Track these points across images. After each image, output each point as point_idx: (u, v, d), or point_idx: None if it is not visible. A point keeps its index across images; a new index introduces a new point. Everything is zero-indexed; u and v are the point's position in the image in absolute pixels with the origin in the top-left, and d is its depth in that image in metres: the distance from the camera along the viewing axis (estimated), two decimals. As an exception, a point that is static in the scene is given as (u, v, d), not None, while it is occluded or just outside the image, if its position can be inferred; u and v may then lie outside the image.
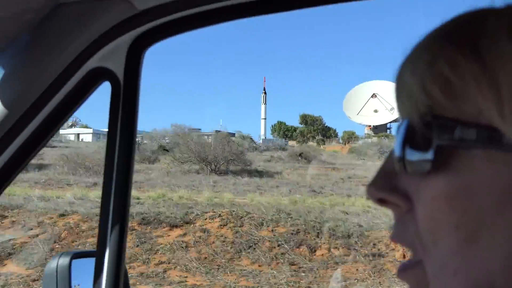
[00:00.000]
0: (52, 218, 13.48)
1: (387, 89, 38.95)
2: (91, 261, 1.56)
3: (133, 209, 13.38)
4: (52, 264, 1.52)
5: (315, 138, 42.26)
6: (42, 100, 1.10)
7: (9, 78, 1.08)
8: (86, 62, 1.12)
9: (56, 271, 1.51)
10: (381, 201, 0.54)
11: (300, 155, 29.00)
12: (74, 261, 1.51)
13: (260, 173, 23.60)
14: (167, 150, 28.64)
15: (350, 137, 38.83)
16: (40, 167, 22.46)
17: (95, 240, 1.44)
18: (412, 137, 0.50)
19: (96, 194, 15.52)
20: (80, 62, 1.12)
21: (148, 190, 17.68)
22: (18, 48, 1.08)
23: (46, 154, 25.24)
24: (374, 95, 40.04)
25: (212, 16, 1.11)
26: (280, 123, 48.90)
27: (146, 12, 1.09)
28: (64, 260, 1.51)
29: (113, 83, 1.17)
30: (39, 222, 13.27)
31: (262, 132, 49.27)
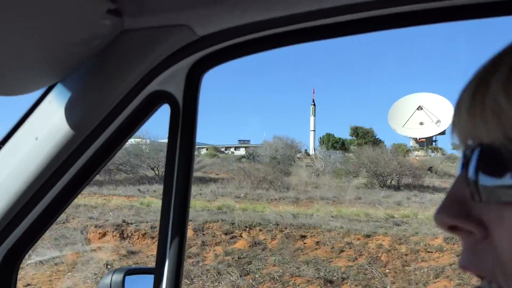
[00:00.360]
0: (359, 239, 12.45)
1: (433, 102, 38.22)
2: (144, 278, 1.58)
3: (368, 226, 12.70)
4: (106, 280, 1.54)
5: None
6: (106, 121, 1.15)
7: (76, 101, 1.13)
8: (147, 85, 1.16)
9: (110, 287, 1.52)
10: (452, 228, 0.53)
11: (429, 169, 28.19)
12: (127, 277, 1.53)
13: (435, 189, 22.14)
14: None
15: (402, 150, 37.82)
16: (214, 180, 22.37)
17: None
18: (493, 162, 0.47)
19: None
20: (142, 86, 1.16)
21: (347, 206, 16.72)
22: (84, 72, 1.13)
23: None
24: (420, 108, 39.33)
25: (269, 41, 1.13)
26: (328, 135, 48.46)
27: (206, 38, 1.12)
28: (117, 277, 1.54)
29: (173, 105, 1.21)
30: (348, 243, 12.29)
31: (312, 144, 48.90)
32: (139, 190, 19.36)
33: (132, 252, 11.71)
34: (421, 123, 39.67)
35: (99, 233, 12.52)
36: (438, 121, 38.08)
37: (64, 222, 12.86)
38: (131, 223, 12.98)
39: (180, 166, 1.20)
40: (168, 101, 1.21)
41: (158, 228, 1.24)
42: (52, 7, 0.91)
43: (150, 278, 1.54)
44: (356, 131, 46.13)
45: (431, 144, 42.47)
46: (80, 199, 15.25)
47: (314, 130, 51.65)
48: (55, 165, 1.15)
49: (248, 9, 1.06)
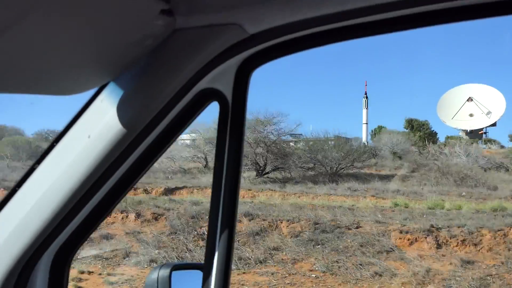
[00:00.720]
0: None
1: (483, 93, 37.05)
2: (191, 273, 1.59)
3: None
4: (153, 275, 1.56)
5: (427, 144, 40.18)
6: (156, 119, 1.16)
7: (128, 99, 1.15)
8: (197, 83, 1.17)
9: (157, 282, 1.55)
10: None
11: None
12: (174, 272, 1.55)
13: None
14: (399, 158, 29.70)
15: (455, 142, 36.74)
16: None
17: None
18: None
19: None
20: (192, 84, 1.16)
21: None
22: (136, 71, 1.14)
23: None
24: (470, 99, 38.19)
25: (319, 38, 1.12)
26: (380, 127, 47.60)
27: (256, 36, 1.12)
28: (164, 272, 1.55)
29: (222, 102, 1.22)
30: None
31: (364, 137, 48.19)
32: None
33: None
34: (471, 115, 38.56)
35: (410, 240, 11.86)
36: (489, 113, 36.90)
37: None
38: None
39: (229, 162, 1.21)
40: (217, 98, 1.22)
41: (207, 223, 1.24)
42: (107, 8, 0.92)
43: (197, 273, 1.56)
44: (411, 124, 45.06)
45: (480, 136, 41.12)
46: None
47: (366, 123, 50.98)
48: (107, 163, 1.17)
49: (299, 6, 1.05)
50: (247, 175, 24.57)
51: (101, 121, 1.16)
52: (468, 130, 40.33)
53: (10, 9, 0.81)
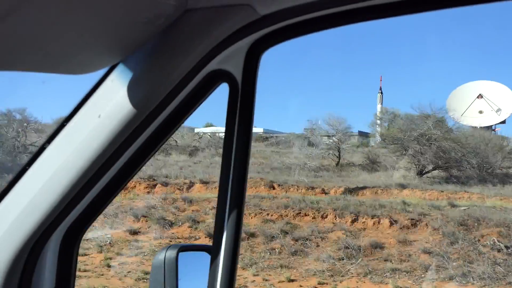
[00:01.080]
0: None
1: (493, 90, 36.70)
2: (198, 254, 1.61)
3: None
4: (160, 256, 1.58)
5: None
6: (166, 100, 1.17)
7: (138, 79, 1.16)
8: (207, 64, 1.17)
9: (164, 263, 1.56)
10: None
11: None
12: (181, 253, 1.56)
13: None
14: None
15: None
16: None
17: None
18: None
19: None
20: (202, 65, 1.16)
21: None
22: (146, 51, 1.15)
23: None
24: (480, 96, 37.88)
25: (330, 20, 1.12)
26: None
27: (267, 17, 1.12)
28: (171, 253, 1.57)
29: (231, 84, 1.22)
30: None
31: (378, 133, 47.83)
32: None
33: None
34: (481, 112, 38.24)
35: None
36: (499, 110, 36.58)
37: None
38: None
39: (238, 145, 1.21)
40: (227, 80, 1.22)
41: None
42: None
43: (204, 255, 1.58)
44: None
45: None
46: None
47: (381, 119, 50.65)
48: (118, 143, 1.17)
49: None
50: (402, 174, 23.50)
51: (111, 101, 1.17)
52: (478, 127, 40.06)
53: None
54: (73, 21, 0.97)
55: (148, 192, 19.80)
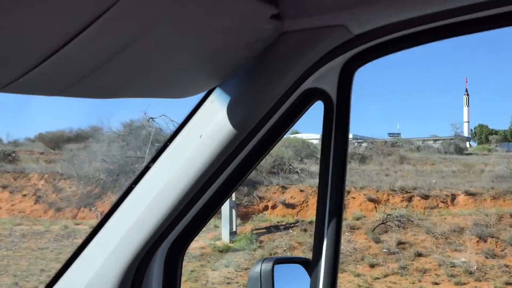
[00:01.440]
0: None
1: None
2: (293, 267, 1.62)
3: None
4: (256, 269, 1.61)
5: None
6: (264, 119, 1.21)
7: (237, 101, 1.21)
8: (302, 84, 1.21)
9: (260, 276, 1.59)
10: None
11: None
12: (276, 266, 1.58)
13: None
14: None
15: None
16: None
17: None
18: None
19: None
20: (297, 84, 1.20)
21: None
22: (244, 74, 1.20)
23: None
24: None
25: (422, 36, 1.13)
26: (481, 126, 44.71)
27: (360, 36, 1.14)
28: (267, 266, 1.59)
29: (326, 102, 1.24)
30: None
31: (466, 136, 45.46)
32: None
33: None
34: None
35: None
36: None
37: None
38: None
39: (335, 160, 1.23)
40: (321, 98, 1.24)
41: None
42: (221, 15, 0.97)
43: (299, 268, 1.59)
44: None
45: None
46: None
47: (468, 122, 48.21)
48: (218, 162, 1.22)
49: (403, 6, 1.06)
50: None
51: (212, 122, 1.22)
52: None
53: (136, 23, 0.88)
54: (184, 47, 1.03)
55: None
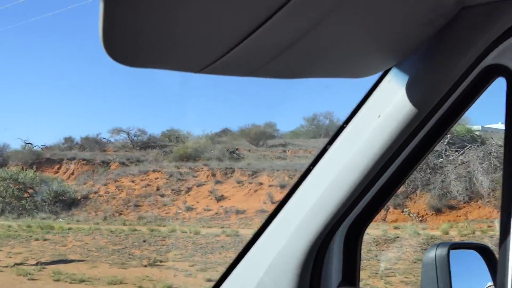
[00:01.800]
0: None
1: None
2: (468, 253, 1.57)
3: None
4: (431, 254, 1.58)
5: None
6: (443, 98, 1.19)
7: (415, 80, 1.19)
8: (482, 60, 1.17)
9: (435, 261, 1.56)
10: None
11: None
12: (452, 251, 1.55)
13: None
14: None
15: None
16: None
17: None
18: None
19: None
20: (478, 61, 1.16)
21: None
22: (423, 52, 1.18)
23: None
24: None
25: None
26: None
27: None
28: (442, 251, 1.56)
29: (510, 79, 1.18)
30: None
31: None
32: None
33: None
34: None
35: None
36: None
37: None
38: None
39: None
40: (504, 74, 1.19)
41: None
42: None
43: (474, 254, 1.54)
44: None
45: None
46: None
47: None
48: (398, 142, 1.22)
49: None
50: None
51: (390, 102, 1.22)
52: None
53: (319, 8, 0.91)
54: (364, 27, 1.04)
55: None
